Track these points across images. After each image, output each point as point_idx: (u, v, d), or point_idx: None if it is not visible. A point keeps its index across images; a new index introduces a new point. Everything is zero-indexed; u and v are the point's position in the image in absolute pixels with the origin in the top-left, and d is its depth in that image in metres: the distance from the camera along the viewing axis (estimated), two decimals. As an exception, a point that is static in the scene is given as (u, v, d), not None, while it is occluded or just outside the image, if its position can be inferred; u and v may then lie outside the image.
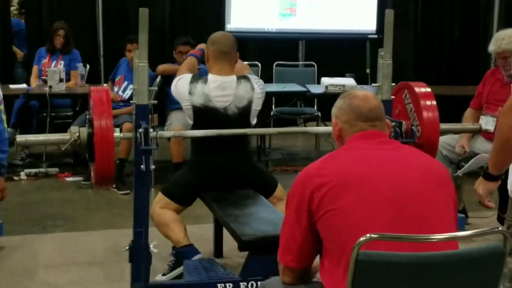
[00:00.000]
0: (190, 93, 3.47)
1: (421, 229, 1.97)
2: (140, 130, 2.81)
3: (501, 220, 3.41)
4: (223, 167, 3.52)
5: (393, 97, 3.25)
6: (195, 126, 3.51)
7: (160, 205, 3.52)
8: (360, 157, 2.12)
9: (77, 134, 2.88)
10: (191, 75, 3.55)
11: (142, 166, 2.81)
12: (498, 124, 2.36)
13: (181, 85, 3.52)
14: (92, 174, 3.05)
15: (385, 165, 2.10)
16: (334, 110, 2.29)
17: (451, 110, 5.06)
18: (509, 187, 2.47)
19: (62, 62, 6.42)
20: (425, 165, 2.15)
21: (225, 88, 3.47)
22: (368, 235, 1.84)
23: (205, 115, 3.46)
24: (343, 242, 1.97)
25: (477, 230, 1.95)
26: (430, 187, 2.08)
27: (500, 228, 1.93)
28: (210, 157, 3.51)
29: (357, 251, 1.83)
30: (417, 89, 3.17)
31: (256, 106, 3.55)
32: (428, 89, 3.19)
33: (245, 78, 3.57)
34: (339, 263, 2.00)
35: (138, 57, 2.84)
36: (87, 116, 2.93)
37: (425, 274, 1.86)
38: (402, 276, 1.86)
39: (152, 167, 2.86)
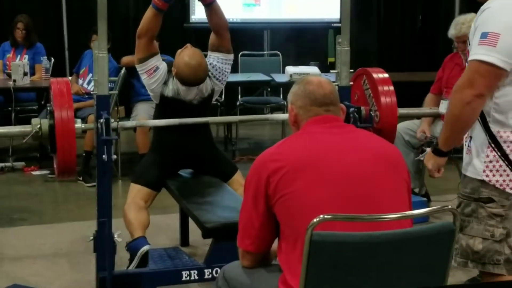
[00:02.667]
0: (165, 83, 3.59)
1: (374, 210, 2.03)
2: (101, 120, 2.83)
3: None
4: (183, 144, 3.63)
5: (351, 83, 3.31)
6: (158, 108, 3.67)
7: (132, 195, 3.57)
8: (314, 141, 2.17)
9: (38, 126, 2.89)
10: (166, 66, 3.64)
11: (104, 156, 2.83)
12: (450, 101, 2.42)
13: (159, 73, 3.61)
14: (54, 165, 3.05)
15: (338, 148, 2.15)
16: (289, 97, 2.33)
17: (414, 96, 5.16)
18: (463, 164, 2.53)
19: (27, 56, 6.38)
20: (378, 147, 2.21)
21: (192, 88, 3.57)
22: (321, 216, 1.88)
23: (170, 103, 3.59)
24: (298, 224, 2.01)
25: (426, 209, 2.02)
26: (383, 169, 2.14)
27: (449, 207, 1.99)
28: (170, 136, 3.63)
29: (311, 232, 1.87)
30: (375, 75, 3.23)
31: (218, 87, 3.71)
32: (386, 75, 3.25)
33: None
34: (295, 245, 2.04)
35: (98, 47, 2.85)
36: (48, 108, 2.94)
37: (378, 253, 1.92)
38: (355, 256, 1.91)
39: (114, 157, 2.88)
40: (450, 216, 1.98)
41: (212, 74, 3.67)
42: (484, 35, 2.31)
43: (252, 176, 2.18)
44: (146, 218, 3.51)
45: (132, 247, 3.40)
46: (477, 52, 2.33)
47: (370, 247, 1.90)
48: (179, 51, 3.59)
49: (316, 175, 2.07)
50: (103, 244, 2.97)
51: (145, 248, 3.32)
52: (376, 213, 1.99)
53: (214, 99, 3.77)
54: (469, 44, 2.44)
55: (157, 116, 3.70)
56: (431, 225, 2.00)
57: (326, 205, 2.02)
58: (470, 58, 2.36)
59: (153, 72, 3.59)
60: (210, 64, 3.67)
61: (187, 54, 3.52)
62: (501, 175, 2.39)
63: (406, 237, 1.94)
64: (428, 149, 4.13)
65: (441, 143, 2.52)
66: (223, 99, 6.93)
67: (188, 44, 3.66)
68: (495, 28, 2.30)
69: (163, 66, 3.63)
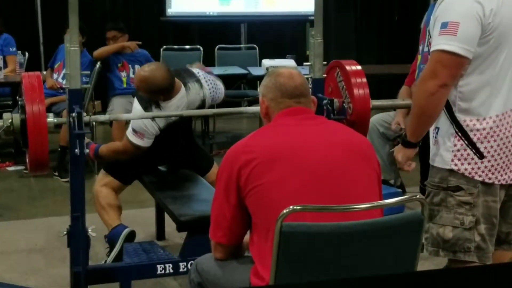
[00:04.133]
0: (153, 120, 3.39)
1: (345, 201, 2.04)
2: (73, 114, 2.81)
3: (423, 191, 3.54)
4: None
5: (325, 75, 3.31)
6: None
7: (102, 183, 3.57)
8: (285, 133, 2.18)
9: (10, 121, 2.86)
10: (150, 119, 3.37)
11: (76, 150, 2.81)
12: (414, 92, 2.44)
13: (148, 132, 3.39)
14: (27, 160, 3.03)
15: (309, 140, 2.16)
16: (261, 89, 2.34)
17: (392, 88, 5.17)
18: (430, 155, 2.55)
19: None
20: (348, 139, 2.22)
21: (180, 105, 3.43)
22: (291, 207, 1.89)
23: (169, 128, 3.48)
24: (269, 216, 2.02)
25: (395, 199, 2.03)
26: (353, 160, 2.15)
27: (418, 196, 2.00)
28: None
29: (281, 223, 1.88)
30: (348, 67, 3.24)
31: (212, 101, 3.62)
32: (359, 67, 3.26)
33: (191, 78, 3.53)
34: (267, 237, 2.05)
35: (70, 41, 2.83)
36: (19, 102, 2.91)
37: (348, 243, 1.94)
38: (325, 246, 1.92)
39: (87, 151, 2.86)
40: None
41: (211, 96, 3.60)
42: (444, 25, 2.33)
43: (223, 168, 2.18)
44: (118, 204, 3.56)
45: (113, 236, 3.43)
46: (438, 42, 2.35)
47: (340, 237, 1.92)
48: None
49: (287, 167, 2.08)
50: (77, 239, 2.95)
51: (127, 230, 3.39)
52: (347, 204, 2.00)
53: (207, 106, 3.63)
54: (430, 36, 2.46)
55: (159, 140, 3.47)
56: (399, 214, 2.01)
57: (297, 197, 2.03)
58: (432, 49, 2.38)
59: (143, 137, 3.39)
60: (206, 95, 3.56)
61: (145, 71, 3.34)
62: (469, 163, 2.41)
63: (375, 227, 1.95)
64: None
65: (409, 134, 2.53)
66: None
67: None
68: (455, 17, 2.32)
69: (141, 123, 3.37)
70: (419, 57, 3.68)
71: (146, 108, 3.34)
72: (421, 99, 2.38)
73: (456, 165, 2.42)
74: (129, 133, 3.38)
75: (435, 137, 2.50)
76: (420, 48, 3.63)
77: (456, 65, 2.34)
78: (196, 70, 3.64)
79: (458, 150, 2.42)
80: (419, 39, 3.66)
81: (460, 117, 2.42)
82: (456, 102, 2.42)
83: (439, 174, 2.48)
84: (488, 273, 1.53)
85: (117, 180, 3.58)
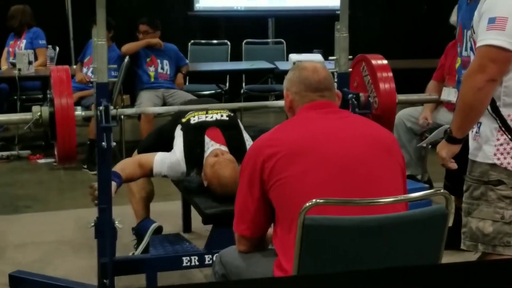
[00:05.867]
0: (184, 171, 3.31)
1: (369, 194, 2.04)
2: (101, 108, 2.85)
3: (447, 188, 3.53)
4: None
5: (351, 69, 3.31)
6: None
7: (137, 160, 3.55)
8: (309, 126, 2.19)
9: (39, 114, 2.91)
10: (167, 167, 3.30)
11: (103, 143, 2.85)
12: (461, 87, 2.42)
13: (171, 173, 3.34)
14: (55, 152, 3.08)
15: (333, 134, 2.16)
16: (285, 83, 2.35)
17: (417, 82, 5.15)
18: (470, 149, 2.54)
19: (24, 41, 6.42)
20: (372, 133, 2.22)
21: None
22: (314, 200, 1.90)
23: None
24: (292, 209, 2.03)
25: (419, 193, 2.03)
26: (377, 154, 2.15)
27: (441, 191, 2.00)
28: None
29: (304, 216, 1.89)
30: (373, 62, 3.23)
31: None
32: (385, 61, 3.25)
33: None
34: (290, 230, 2.06)
35: (97, 35, 2.86)
36: (48, 96, 2.96)
37: (370, 237, 1.94)
38: (347, 239, 1.93)
39: (114, 144, 2.89)
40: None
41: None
42: (491, 20, 2.32)
43: (247, 161, 2.20)
44: (150, 189, 3.57)
45: (140, 229, 3.47)
46: (486, 37, 2.34)
47: (362, 231, 1.93)
48: (210, 160, 3.18)
49: (310, 160, 2.09)
50: (104, 230, 3.00)
51: (155, 225, 3.42)
52: (370, 197, 2.01)
53: None
54: (474, 32, 2.45)
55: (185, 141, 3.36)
56: (423, 209, 2.01)
57: (321, 190, 2.04)
58: (479, 44, 2.37)
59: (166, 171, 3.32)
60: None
61: (220, 168, 3.12)
62: None
63: (398, 221, 1.96)
64: (430, 136, 4.16)
65: (454, 130, 2.50)
66: (227, 87, 6.96)
67: (218, 150, 3.23)
68: (503, 12, 2.31)
69: (166, 167, 3.29)
70: (458, 59, 3.62)
71: (188, 172, 3.26)
72: (469, 94, 2.37)
73: (498, 159, 2.42)
74: (157, 161, 3.29)
75: (477, 132, 2.48)
76: (459, 50, 3.57)
77: (504, 60, 2.33)
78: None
79: (501, 145, 2.42)
80: (457, 40, 3.60)
81: (504, 111, 2.41)
82: (500, 97, 2.41)
83: (480, 168, 2.47)
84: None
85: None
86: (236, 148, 3.26)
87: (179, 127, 3.39)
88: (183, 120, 3.41)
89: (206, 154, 3.25)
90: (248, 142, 3.34)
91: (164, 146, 3.39)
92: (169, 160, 3.28)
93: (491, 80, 2.33)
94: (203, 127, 3.35)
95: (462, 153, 2.57)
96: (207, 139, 3.30)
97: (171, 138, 3.39)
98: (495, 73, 2.33)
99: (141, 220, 3.53)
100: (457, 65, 3.63)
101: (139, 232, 3.51)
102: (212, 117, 3.40)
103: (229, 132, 3.36)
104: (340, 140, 2.15)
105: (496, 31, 2.31)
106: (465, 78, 2.39)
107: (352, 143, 2.15)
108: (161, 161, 3.28)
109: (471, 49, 3.30)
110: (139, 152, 3.55)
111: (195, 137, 3.32)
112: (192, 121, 3.38)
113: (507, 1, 2.34)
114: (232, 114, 3.51)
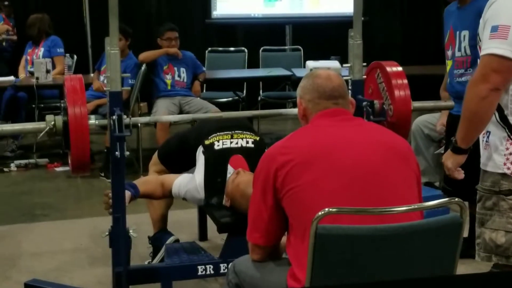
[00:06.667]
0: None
1: (383, 203, 2.02)
2: (114, 117, 2.84)
3: (446, 192, 3.54)
4: None
5: (365, 76, 3.29)
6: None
7: (154, 168, 3.55)
8: (323, 134, 2.17)
9: (53, 123, 2.92)
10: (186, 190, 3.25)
11: (116, 152, 2.84)
12: (465, 97, 2.39)
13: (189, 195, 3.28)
14: (69, 161, 3.09)
15: (347, 141, 2.14)
16: (298, 90, 2.34)
17: (433, 89, 5.10)
18: (481, 159, 2.51)
19: (42, 49, 6.47)
20: (387, 140, 2.20)
21: None
22: (326, 209, 1.88)
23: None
24: (306, 218, 2.00)
25: (435, 202, 2.00)
26: (392, 162, 2.13)
27: (456, 199, 1.97)
28: None
29: (316, 225, 1.87)
30: (388, 69, 3.20)
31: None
32: (400, 68, 3.22)
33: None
34: (303, 238, 2.04)
35: (110, 44, 2.87)
36: (62, 105, 2.97)
37: (384, 246, 1.91)
38: (361, 249, 1.91)
39: (127, 153, 2.87)
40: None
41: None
42: (494, 29, 2.30)
43: (260, 169, 2.19)
44: (165, 204, 3.53)
45: (157, 240, 3.48)
46: (488, 46, 2.31)
47: (376, 240, 1.90)
48: (231, 178, 3.12)
49: (324, 168, 2.07)
50: (118, 239, 2.99)
51: (172, 238, 3.43)
52: (384, 206, 1.98)
53: None
54: (480, 40, 2.42)
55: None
56: (438, 217, 1.98)
57: (334, 198, 2.02)
58: (482, 52, 2.34)
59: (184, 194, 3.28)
60: None
61: (242, 184, 3.02)
62: None
63: (412, 230, 1.93)
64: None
65: (459, 140, 2.47)
66: (244, 94, 6.95)
67: (241, 170, 3.14)
68: (505, 21, 2.29)
69: (185, 192, 3.26)
70: (448, 62, 3.62)
71: (207, 200, 3.20)
72: (472, 104, 2.34)
73: (509, 168, 2.39)
74: (176, 184, 3.26)
75: (486, 141, 2.46)
76: (449, 52, 3.58)
77: (507, 68, 2.30)
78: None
79: (511, 154, 2.39)
80: (446, 44, 3.61)
81: None
82: (508, 106, 2.39)
83: (491, 178, 2.44)
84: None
85: (169, 170, 3.49)
86: None
87: (201, 149, 3.26)
88: (206, 142, 3.26)
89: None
90: None
91: (185, 158, 3.34)
92: (189, 185, 3.22)
93: (495, 89, 2.30)
94: (226, 154, 3.21)
95: (466, 160, 2.54)
96: (230, 169, 3.18)
97: (193, 155, 3.29)
98: (498, 83, 2.30)
99: (159, 230, 3.52)
100: (448, 67, 3.62)
101: (155, 242, 3.51)
102: (237, 143, 3.25)
103: (255, 159, 3.27)
104: (354, 147, 2.13)
105: (499, 39, 2.28)
106: (469, 87, 2.36)
107: (366, 151, 2.12)
108: (179, 185, 3.23)
109: (470, 47, 3.36)
110: (159, 156, 3.53)
111: (217, 165, 3.18)
112: (216, 147, 3.23)
113: (510, 9, 2.30)
114: (257, 139, 3.32)
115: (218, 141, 3.25)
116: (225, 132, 3.28)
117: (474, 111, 2.36)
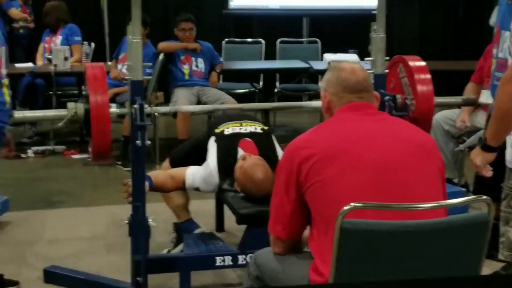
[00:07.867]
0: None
1: (407, 199, 2.01)
2: (135, 106, 2.85)
3: (477, 193, 3.48)
4: None
5: (387, 71, 3.27)
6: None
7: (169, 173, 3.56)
8: (347, 128, 2.16)
9: (74, 110, 2.93)
10: (201, 177, 3.27)
11: (137, 142, 2.84)
12: (497, 94, 2.37)
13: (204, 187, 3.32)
14: (90, 148, 3.09)
15: (371, 136, 2.13)
16: (322, 84, 2.32)
17: (456, 84, 5.07)
18: (507, 157, 2.48)
19: (60, 37, 6.48)
20: (412, 136, 2.18)
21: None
22: (352, 204, 1.87)
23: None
24: (329, 212, 2.00)
25: (460, 199, 1.98)
26: (417, 157, 2.11)
27: (483, 197, 1.95)
28: None
29: (341, 219, 1.86)
30: (411, 63, 3.19)
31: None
32: (423, 63, 3.20)
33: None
34: (326, 233, 2.03)
35: (132, 33, 2.86)
36: (83, 92, 2.97)
37: (409, 242, 1.90)
38: (386, 244, 1.90)
39: (148, 142, 2.88)
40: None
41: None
42: None
43: (284, 163, 2.18)
44: (185, 197, 3.56)
45: (183, 229, 3.50)
46: None
47: (401, 236, 1.89)
48: (239, 164, 3.18)
49: (347, 162, 2.06)
50: (138, 228, 3.00)
51: (199, 230, 3.46)
52: (408, 202, 1.97)
53: None
54: None
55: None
56: (464, 215, 1.97)
57: (357, 193, 2.01)
58: None
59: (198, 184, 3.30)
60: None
61: (250, 169, 3.11)
62: None
63: (438, 227, 1.91)
64: (469, 140, 4.09)
65: (489, 138, 2.45)
66: (261, 86, 6.94)
67: (246, 155, 3.23)
68: None
69: (199, 180, 3.27)
70: (493, 61, 3.53)
71: (221, 183, 3.24)
72: (504, 102, 2.32)
73: None
74: (189, 174, 3.27)
75: None
76: (494, 51, 3.48)
77: None
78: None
79: None
80: (493, 41, 3.51)
81: None
82: None
83: None
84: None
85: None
86: (269, 159, 3.22)
87: (212, 139, 3.36)
88: (217, 131, 3.38)
89: None
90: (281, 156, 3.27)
91: (197, 159, 3.36)
92: (203, 172, 3.26)
93: None
94: (236, 138, 3.33)
95: (495, 158, 2.51)
96: (240, 150, 3.28)
97: (205, 150, 3.36)
98: None
99: (185, 220, 3.52)
100: (492, 67, 3.55)
101: (180, 231, 3.51)
102: (246, 129, 3.39)
103: (263, 144, 3.34)
104: (377, 142, 2.11)
105: None
106: (501, 85, 2.34)
107: (390, 146, 2.11)
108: (193, 174, 3.26)
109: (509, 51, 3.24)
110: (171, 161, 3.55)
111: (228, 147, 3.29)
112: (226, 132, 3.36)
113: None
114: (266, 128, 3.49)
115: (228, 128, 3.39)
116: (235, 121, 3.44)
117: (505, 109, 2.34)
